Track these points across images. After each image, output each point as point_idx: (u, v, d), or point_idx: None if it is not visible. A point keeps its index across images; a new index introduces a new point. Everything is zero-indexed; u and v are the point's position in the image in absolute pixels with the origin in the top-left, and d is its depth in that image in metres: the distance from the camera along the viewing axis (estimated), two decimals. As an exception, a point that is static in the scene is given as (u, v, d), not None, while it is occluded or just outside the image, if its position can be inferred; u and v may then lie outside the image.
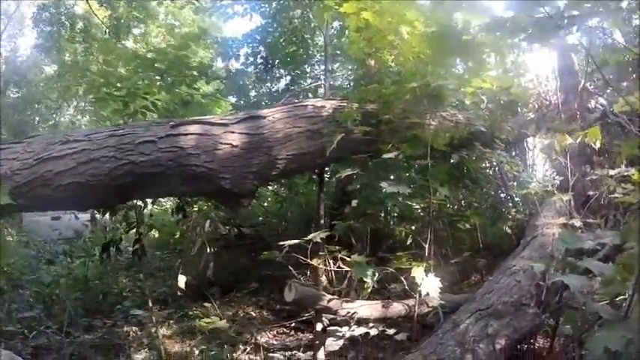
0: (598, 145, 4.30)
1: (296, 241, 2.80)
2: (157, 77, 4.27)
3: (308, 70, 5.80)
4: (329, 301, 3.20)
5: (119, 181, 2.73)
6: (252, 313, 4.36)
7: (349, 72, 5.18)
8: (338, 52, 5.00)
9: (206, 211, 4.08)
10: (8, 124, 13.87)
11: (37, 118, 16.03)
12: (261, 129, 3.07)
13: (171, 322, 4.11)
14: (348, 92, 4.29)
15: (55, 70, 15.79)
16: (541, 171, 7.02)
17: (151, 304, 4.01)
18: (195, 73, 4.31)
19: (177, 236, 4.81)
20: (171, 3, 12.12)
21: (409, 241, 3.78)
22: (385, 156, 2.84)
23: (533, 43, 1.57)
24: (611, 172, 4.44)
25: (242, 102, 5.04)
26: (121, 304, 4.63)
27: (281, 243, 2.79)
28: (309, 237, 2.82)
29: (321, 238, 2.90)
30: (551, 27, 1.20)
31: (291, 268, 3.35)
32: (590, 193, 4.70)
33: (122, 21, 12.41)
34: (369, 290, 3.29)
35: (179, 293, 4.13)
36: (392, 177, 3.05)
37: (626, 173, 4.24)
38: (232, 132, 2.96)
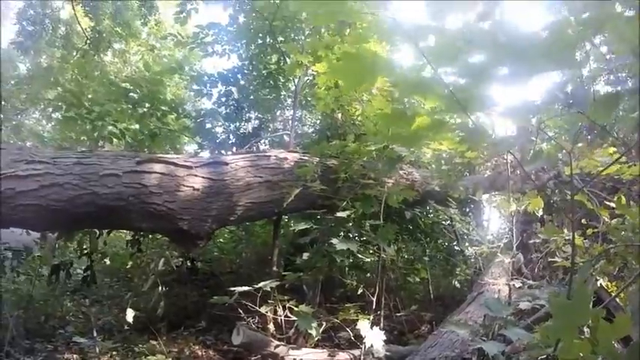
0: (540, 212, 4.61)
1: (246, 288, 2.86)
2: (129, 106, 4.33)
3: (278, 114, 5.99)
4: (276, 347, 3.25)
5: (79, 209, 2.75)
6: (199, 352, 4.29)
7: (317, 121, 5.38)
8: (309, 98, 5.21)
9: (161, 248, 4.06)
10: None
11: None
12: (223, 175, 3.16)
13: (114, 354, 4.00)
14: (312, 142, 4.46)
15: (28, 70, 15.46)
16: (496, 226, 7.37)
17: (95, 334, 3.92)
18: (166, 108, 4.39)
19: (128, 266, 4.72)
20: (154, 27, 12.29)
21: (360, 291, 3.89)
22: (338, 214, 2.98)
23: (465, 144, 1.77)
24: (553, 237, 4.75)
25: (207, 142, 5.13)
26: (63, 328, 4.48)
27: (232, 289, 2.84)
28: (260, 285, 2.89)
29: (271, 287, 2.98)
30: (479, 138, 1.37)
31: (241, 311, 3.39)
32: (533, 256, 5.00)
33: (104, 35, 12.38)
34: (317, 338, 3.36)
35: (126, 327, 4.04)
36: (342, 233, 3.19)
37: (568, 237, 4.55)
38: (195, 175, 3.04)
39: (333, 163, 3.68)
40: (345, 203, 3.12)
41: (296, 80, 4.94)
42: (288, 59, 5.15)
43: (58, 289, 5.04)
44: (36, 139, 13.32)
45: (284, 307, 3.15)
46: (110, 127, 4.03)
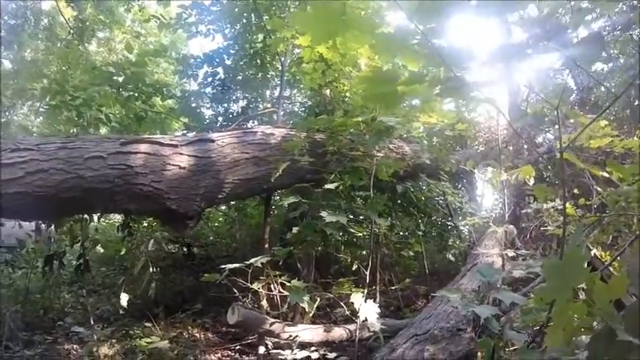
0: (532, 181, 4.60)
1: (237, 265, 2.85)
2: (113, 90, 4.25)
3: (268, 94, 5.93)
4: (271, 324, 3.26)
5: (65, 194, 2.71)
6: (197, 334, 4.31)
7: (305, 99, 5.33)
8: (298, 77, 5.15)
9: (151, 230, 4.04)
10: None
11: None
12: (209, 152, 3.12)
13: (113, 341, 4.00)
14: (301, 120, 4.42)
15: (13, 66, 15.18)
16: (490, 201, 7.40)
17: (92, 322, 3.92)
18: (151, 90, 4.33)
19: (122, 253, 4.70)
20: (138, 12, 12.05)
21: (355, 267, 3.89)
22: (327, 186, 2.96)
23: (445, 97, 1.73)
24: (545, 206, 4.77)
25: (194, 123, 5.08)
26: (62, 320, 4.48)
27: (222, 266, 2.83)
28: (250, 262, 2.88)
29: (263, 263, 2.97)
30: (457, 86, 1.34)
31: (235, 291, 3.39)
32: (524, 225, 5.03)
33: (87, 23, 12.14)
34: (311, 314, 3.37)
35: (121, 312, 4.04)
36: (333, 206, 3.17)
37: (559, 207, 4.57)
38: (181, 153, 3.00)
39: (320, 137, 3.66)
40: (333, 176, 3.10)
41: (282, 58, 4.88)
42: (273, 37, 5.09)
43: (53, 280, 5.02)
44: (25, 133, 13.16)
45: (277, 284, 3.15)
46: (95, 112, 3.97)
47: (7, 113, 16.34)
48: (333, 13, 1.13)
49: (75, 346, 3.92)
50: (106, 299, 5.14)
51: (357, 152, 3.41)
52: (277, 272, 3.14)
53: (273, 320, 3.30)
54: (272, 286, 3.25)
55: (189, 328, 4.41)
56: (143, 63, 4.31)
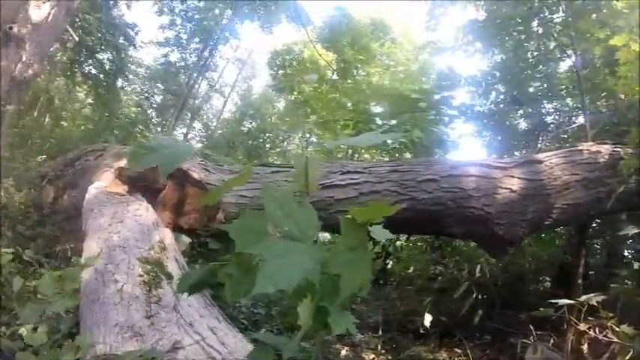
0: None
1: (569, 302, 2.63)
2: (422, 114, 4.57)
3: (552, 106, 5.46)
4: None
5: (398, 215, 3.00)
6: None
7: (598, 108, 4.67)
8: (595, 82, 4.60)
9: (472, 255, 4.04)
10: (244, 147, 16.84)
11: (267, 145, 18.81)
12: (539, 175, 3.01)
13: (383, 351, 4.04)
14: (600, 132, 3.85)
15: (285, 106, 18.55)
16: None
17: (381, 330, 4.10)
18: (455, 113, 4.55)
19: (409, 270, 4.91)
20: (392, 44, 13.04)
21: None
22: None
23: None
24: None
25: (496, 141, 5.06)
26: None
27: (555, 301, 2.65)
28: (583, 298, 2.61)
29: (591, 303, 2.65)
30: None
31: (531, 328, 3.03)
32: None
33: (348, 64, 13.79)
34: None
35: (421, 330, 4.13)
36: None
37: None
38: (512, 176, 2.96)
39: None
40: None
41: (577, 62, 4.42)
42: (549, 42, 4.73)
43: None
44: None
45: (602, 327, 2.77)
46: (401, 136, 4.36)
47: (283, 143, 20.08)
48: None
49: (346, 347, 4.01)
50: (375, 310, 5.24)
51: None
52: (610, 314, 2.75)
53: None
54: (594, 328, 2.88)
55: (460, 354, 4.22)
56: (448, 87, 4.58)
